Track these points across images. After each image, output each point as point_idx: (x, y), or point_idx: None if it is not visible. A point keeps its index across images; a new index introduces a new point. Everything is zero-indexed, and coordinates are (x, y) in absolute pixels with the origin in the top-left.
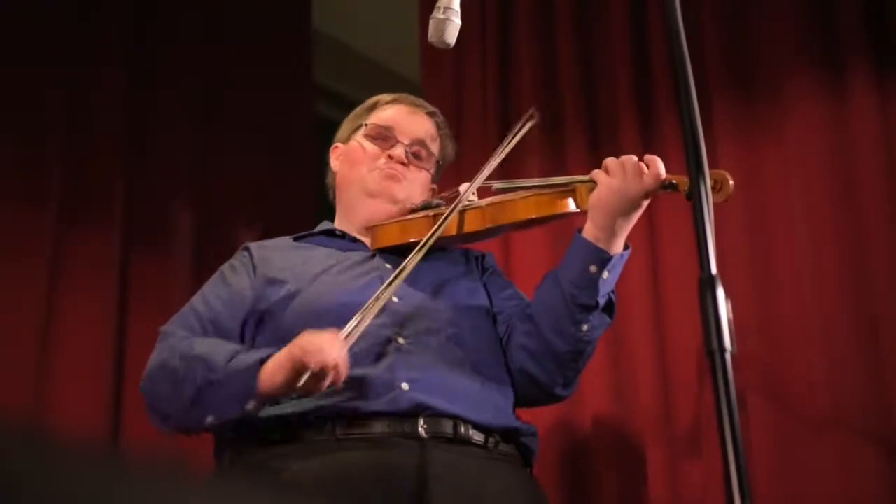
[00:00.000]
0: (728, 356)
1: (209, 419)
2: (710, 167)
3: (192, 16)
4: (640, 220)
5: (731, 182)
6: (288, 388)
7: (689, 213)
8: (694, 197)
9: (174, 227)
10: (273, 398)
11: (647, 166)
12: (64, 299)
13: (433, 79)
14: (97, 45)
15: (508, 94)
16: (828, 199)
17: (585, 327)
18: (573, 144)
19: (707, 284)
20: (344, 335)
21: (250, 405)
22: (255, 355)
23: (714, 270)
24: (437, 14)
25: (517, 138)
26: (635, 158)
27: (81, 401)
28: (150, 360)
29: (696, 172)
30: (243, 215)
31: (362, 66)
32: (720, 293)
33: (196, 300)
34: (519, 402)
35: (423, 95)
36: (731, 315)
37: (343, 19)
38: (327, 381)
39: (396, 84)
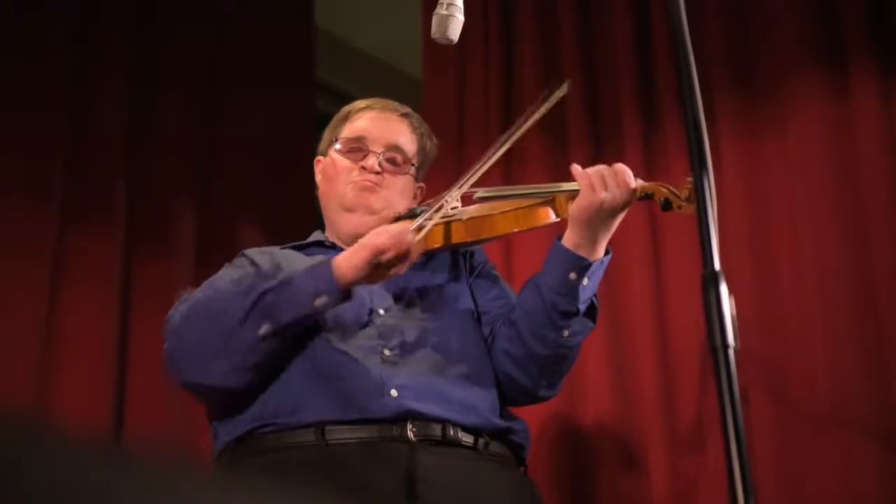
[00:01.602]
0: (731, 352)
1: (265, 328)
2: (714, 165)
3: (193, 15)
4: (642, 216)
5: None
6: (365, 271)
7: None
8: (697, 193)
9: (176, 226)
10: (351, 284)
11: (616, 176)
12: (67, 299)
13: (435, 76)
14: (98, 44)
15: (511, 90)
16: (830, 197)
17: (567, 333)
18: (576, 142)
19: (710, 280)
20: (414, 226)
21: (321, 300)
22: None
23: (717, 266)
24: (441, 10)
25: (543, 110)
26: (608, 168)
27: (85, 399)
28: (174, 312)
29: (699, 169)
30: (245, 213)
31: (364, 63)
32: (723, 289)
33: (204, 285)
34: (505, 403)
35: (425, 93)
36: (734, 311)
37: (345, 16)
38: (404, 266)
39: (398, 81)
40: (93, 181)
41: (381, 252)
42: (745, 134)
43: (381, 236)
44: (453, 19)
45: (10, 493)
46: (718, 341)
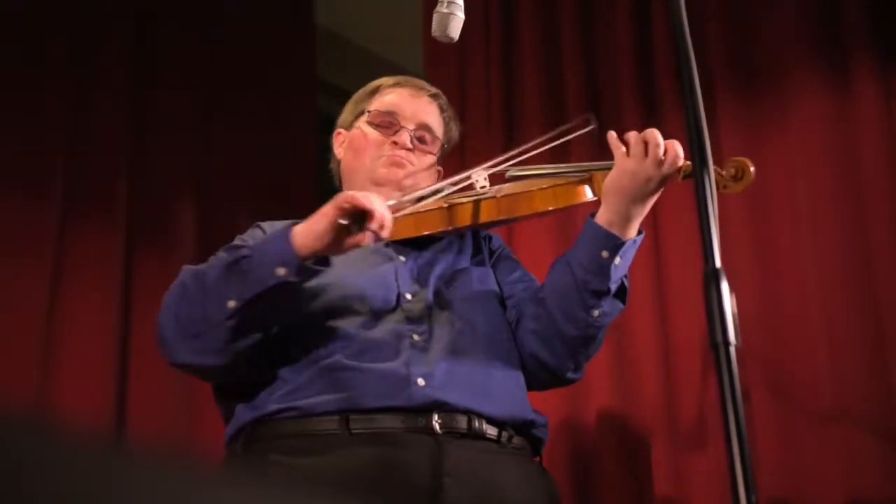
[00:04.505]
0: (733, 350)
1: (231, 304)
2: (717, 160)
3: (194, 13)
4: None
5: (753, 169)
6: (328, 237)
7: (692, 206)
8: (697, 189)
9: (176, 224)
10: (309, 255)
11: (666, 150)
12: (67, 297)
13: (436, 74)
14: (99, 43)
15: (512, 88)
16: (832, 193)
17: (597, 313)
18: (576, 141)
19: (711, 277)
20: (390, 202)
21: (282, 270)
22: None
23: (718, 263)
24: (441, 8)
25: (562, 140)
26: (658, 139)
27: (85, 397)
28: (168, 291)
29: (700, 166)
30: (245, 211)
31: (365, 60)
32: (724, 286)
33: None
34: (530, 386)
35: None
36: (735, 308)
37: (345, 14)
38: (369, 232)
39: None
40: (93, 179)
41: (346, 208)
42: (746, 131)
43: (349, 194)
44: (454, 17)
45: (10, 492)
46: (720, 339)
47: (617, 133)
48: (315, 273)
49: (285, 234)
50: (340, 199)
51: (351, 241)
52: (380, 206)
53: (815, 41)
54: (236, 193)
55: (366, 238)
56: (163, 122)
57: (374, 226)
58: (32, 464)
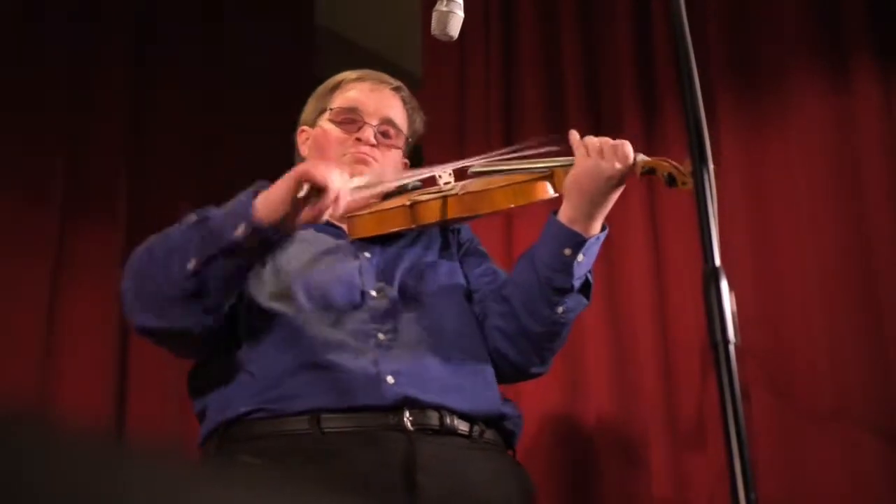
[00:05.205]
0: (732, 348)
1: (191, 264)
2: (714, 161)
3: (194, 14)
4: (642, 211)
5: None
6: (286, 205)
7: (692, 205)
8: (697, 189)
9: (177, 222)
10: (269, 222)
11: (619, 149)
12: (67, 297)
13: (436, 73)
14: (99, 43)
15: (512, 88)
16: (831, 192)
17: (560, 309)
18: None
19: (711, 276)
20: (353, 183)
21: (240, 229)
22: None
23: (718, 262)
24: (441, 6)
25: (521, 153)
26: (610, 140)
27: (85, 396)
28: (132, 253)
29: (700, 165)
30: None
31: (364, 60)
32: (724, 285)
33: None
34: (497, 381)
35: (426, 90)
36: (734, 307)
37: (345, 13)
38: (325, 205)
39: (398, 78)
40: (93, 179)
41: (305, 179)
42: (745, 130)
43: (307, 167)
44: (453, 16)
45: (10, 491)
46: (719, 337)
47: (617, 138)
48: (271, 242)
49: (249, 196)
50: (299, 171)
51: (306, 215)
52: (337, 181)
53: (815, 41)
54: (236, 194)
55: (321, 215)
56: (163, 122)
57: (328, 201)
58: (33, 463)
